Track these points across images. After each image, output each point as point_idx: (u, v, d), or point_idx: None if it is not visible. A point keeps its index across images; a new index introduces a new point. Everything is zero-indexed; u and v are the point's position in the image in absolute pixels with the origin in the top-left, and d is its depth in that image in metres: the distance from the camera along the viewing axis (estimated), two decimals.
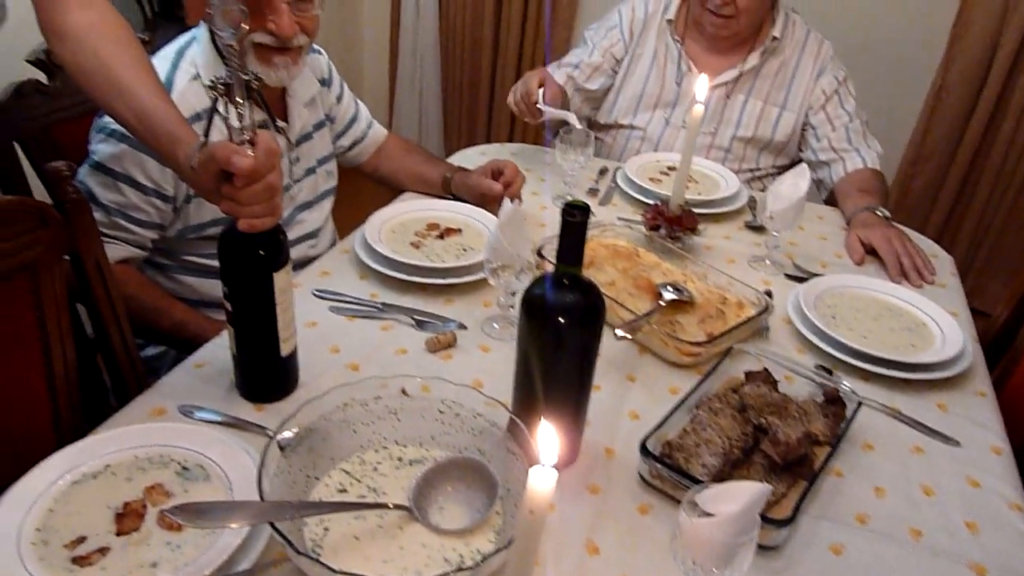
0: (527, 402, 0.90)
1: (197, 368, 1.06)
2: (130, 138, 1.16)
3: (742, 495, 0.68)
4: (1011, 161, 2.68)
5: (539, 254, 1.27)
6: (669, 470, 0.89)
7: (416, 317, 1.18)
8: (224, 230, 0.90)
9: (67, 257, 1.04)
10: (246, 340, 0.96)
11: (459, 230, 1.39)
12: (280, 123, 1.33)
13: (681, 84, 1.90)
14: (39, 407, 1.05)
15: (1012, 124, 2.62)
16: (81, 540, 0.77)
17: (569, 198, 1.60)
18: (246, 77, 0.81)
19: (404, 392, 0.91)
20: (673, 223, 1.40)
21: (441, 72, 3.32)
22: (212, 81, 0.80)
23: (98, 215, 1.16)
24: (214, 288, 1.33)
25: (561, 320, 0.84)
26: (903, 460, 1.01)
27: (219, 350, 1.07)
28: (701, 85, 1.33)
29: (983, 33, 2.58)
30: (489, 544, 0.81)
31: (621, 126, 1.96)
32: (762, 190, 1.90)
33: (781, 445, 0.92)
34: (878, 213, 1.58)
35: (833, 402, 1.03)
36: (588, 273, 0.85)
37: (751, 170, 1.91)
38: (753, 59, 1.85)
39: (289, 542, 0.68)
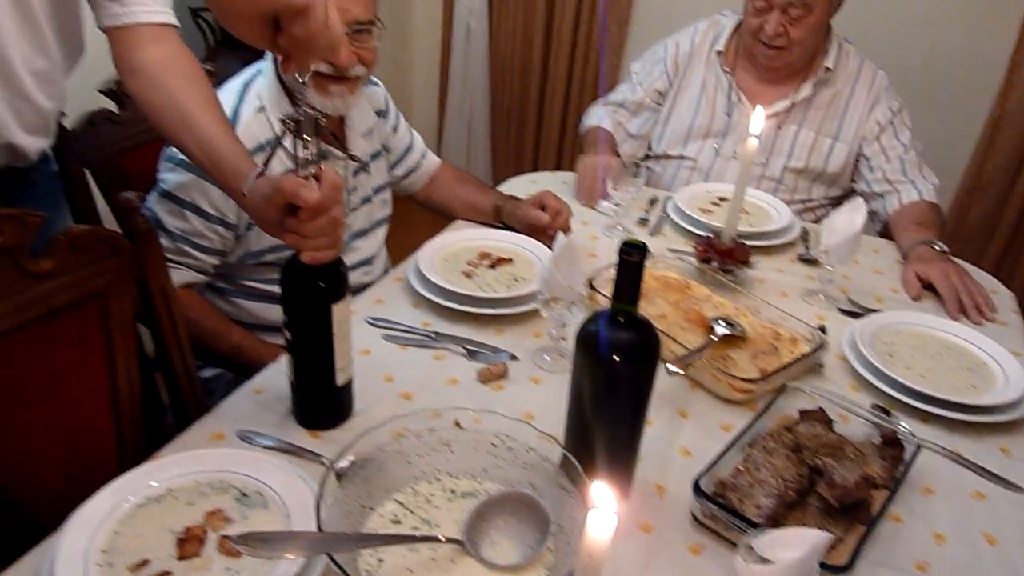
0: (580, 438, 0.91)
1: (255, 393, 1.09)
2: (196, 168, 1.20)
3: (802, 543, 0.67)
4: None
5: (591, 286, 1.27)
6: (723, 511, 0.89)
7: (468, 347, 1.20)
8: (287, 261, 0.92)
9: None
10: (303, 369, 0.98)
11: (510, 259, 1.40)
12: (355, 154, 1.36)
13: (731, 115, 1.90)
14: (104, 428, 1.08)
15: None
16: (144, 563, 0.79)
17: (619, 228, 1.61)
18: (315, 114, 0.83)
19: (457, 424, 0.92)
20: (725, 256, 1.39)
21: (490, 98, 3.36)
22: (283, 118, 0.83)
23: (164, 241, 1.20)
24: (271, 312, 1.37)
25: (616, 358, 0.84)
26: (964, 506, 0.99)
27: (276, 376, 1.10)
28: (756, 119, 1.33)
29: None
30: None
31: (671, 156, 1.96)
32: (814, 221, 1.88)
33: (838, 488, 0.90)
34: (935, 247, 1.55)
35: (891, 444, 1.01)
36: (639, 305, 0.85)
37: (803, 201, 1.90)
38: (805, 90, 1.84)
39: (346, 573, 0.69)
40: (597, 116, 2.02)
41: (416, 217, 1.73)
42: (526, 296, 1.27)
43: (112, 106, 1.46)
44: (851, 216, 1.36)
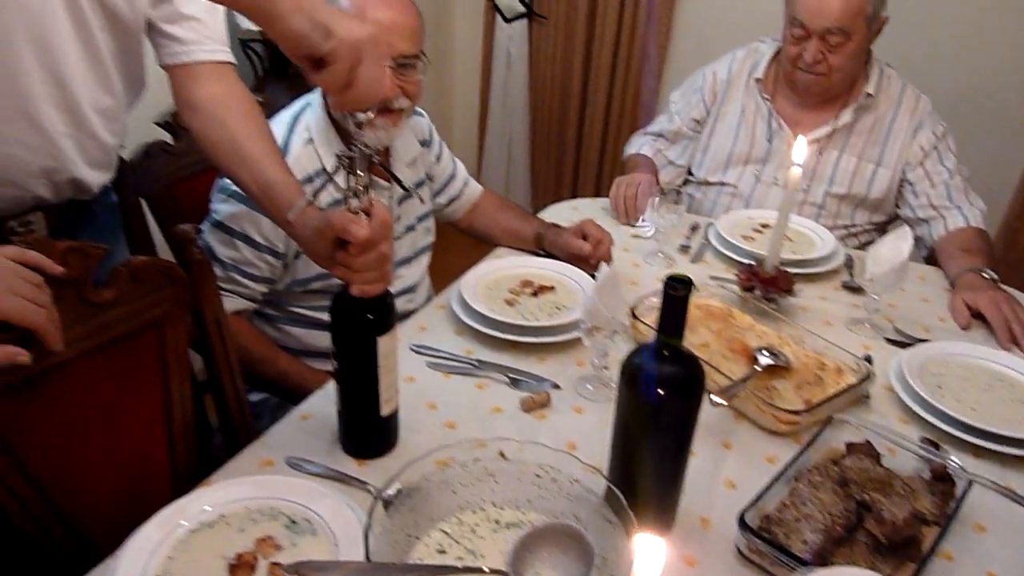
0: (624, 470, 0.91)
1: (302, 420, 1.11)
2: (248, 199, 1.24)
3: None
4: None
5: (633, 314, 1.28)
6: (769, 546, 0.88)
7: (511, 375, 1.21)
8: (336, 292, 0.95)
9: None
10: (349, 398, 1.00)
11: (552, 288, 1.41)
12: (410, 186, 1.39)
13: (772, 141, 1.89)
14: (157, 452, 1.11)
15: None
16: None
17: (661, 255, 1.61)
18: (368, 151, 0.86)
19: (502, 455, 0.93)
20: (768, 284, 1.38)
21: (530, 123, 3.39)
22: (337, 154, 0.85)
23: (216, 269, 1.24)
24: (317, 339, 1.40)
25: (661, 392, 0.84)
26: (1018, 543, 0.97)
27: (323, 402, 1.12)
28: (799, 148, 1.33)
29: None
30: None
31: (711, 183, 1.96)
32: (857, 247, 1.86)
33: (887, 524, 0.89)
34: (984, 275, 1.52)
35: (941, 479, 0.99)
36: None
37: (846, 226, 1.88)
38: (846, 115, 1.83)
39: None
40: (636, 144, 2.04)
41: (458, 244, 1.76)
42: (568, 324, 1.28)
43: (167, 137, 1.51)
44: (897, 244, 1.34)
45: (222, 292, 1.24)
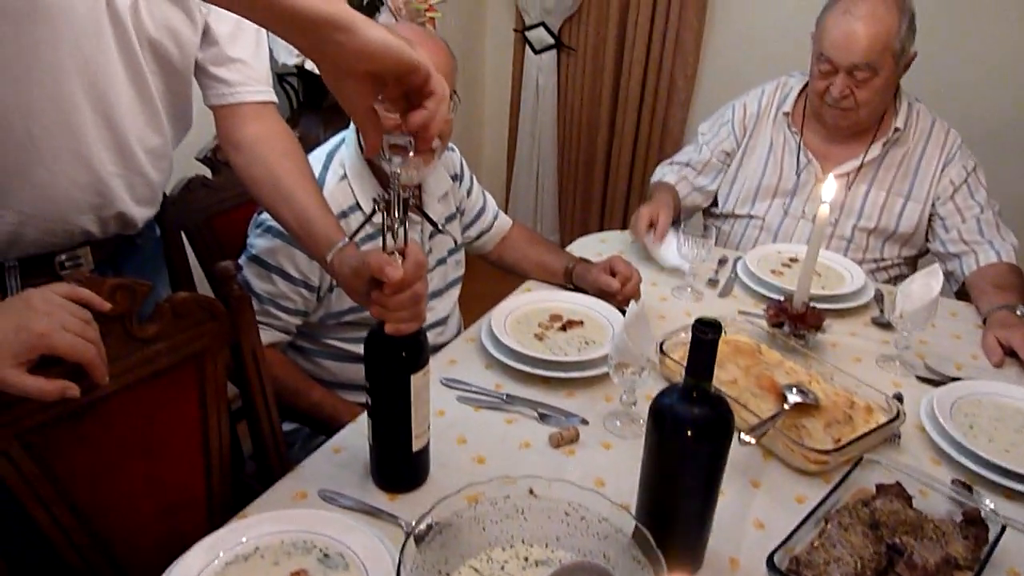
0: (653, 509, 0.92)
1: (335, 452, 1.13)
2: (284, 234, 1.28)
3: None
4: None
5: (661, 350, 1.29)
6: None
7: (539, 410, 1.22)
8: (371, 330, 0.97)
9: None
10: (382, 433, 1.02)
11: (581, 322, 1.42)
12: (443, 227, 1.43)
13: (800, 175, 1.90)
14: (195, 481, 1.14)
15: None
16: None
17: (689, 290, 1.62)
18: (404, 195, 0.88)
19: (531, 492, 0.94)
20: (797, 321, 1.38)
21: (558, 153, 3.42)
22: (375, 199, 0.88)
23: (252, 303, 1.27)
24: (350, 372, 1.42)
25: (689, 433, 0.85)
26: None
27: (356, 436, 1.14)
28: (828, 186, 1.34)
29: None
30: None
31: (739, 215, 1.97)
32: (887, 281, 1.85)
33: (918, 569, 0.89)
34: (1018, 312, 1.51)
35: (973, 523, 0.98)
36: None
37: (875, 260, 1.87)
38: (875, 150, 1.83)
39: None
40: (661, 173, 2.05)
41: (487, 270, 1.78)
42: (596, 360, 1.29)
43: (206, 172, 1.56)
44: (927, 282, 1.34)
45: (258, 324, 1.28)
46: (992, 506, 1.00)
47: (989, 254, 1.72)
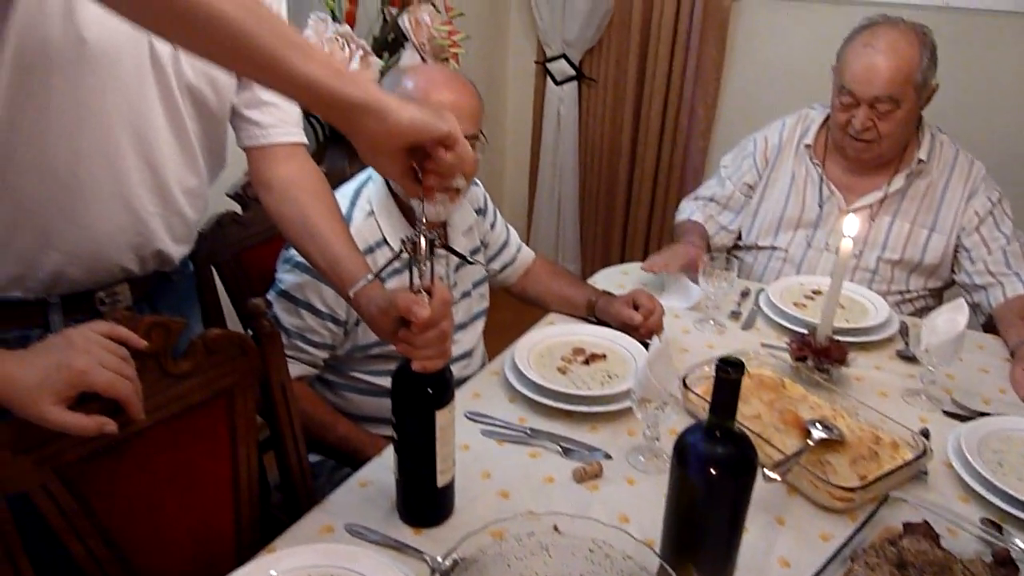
0: (677, 547, 0.92)
1: (361, 487, 1.15)
2: (311, 269, 1.30)
3: None
4: None
5: (684, 384, 1.29)
6: None
7: (563, 444, 1.23)
8: (397, 367, 0.99)
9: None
10: (407, 468, 1.04)
11: (604, 356, 1.43)
12: (473, 259, 1.45)
13: (823, 206, 1.90)
14: (224, 514, 1.16)
15: None
16: None
17: (711, 322, 1.62)
18: (431, 236, 0.90)
19: (556, 529, 0.94)
20: (821, 355, 1.38)
21: (579, 181, 3.44)
22: (402, 240, 0.90)
23: (281, 337, 1.29)
24: (376, 405, 1.44)
25: (713, 472, 0.86)
26: None
27: (382, 470, 1.16)
28: (851, 223, 1.34)
29: None
30: None
31: (761, 247, 1.97)
32: (912, 313, 1.84)
33: None
34: None
35: (1004, 563, 0.97)
36: None
37: (900, 292, 1.86)
38: (898, 181, 1.83)
39: None
40: (688, 211, 2.06)
41: (509, 299, 1.79)
42: (620, 394, 1.30)
43: (237, 208, 1.60)
44: (953, 316, 1.34)
45: (287, 358, 1.30)
46: (1023, 546, 0.99)
47: (1016, 286, 1.71)
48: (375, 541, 1.03)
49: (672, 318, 1.64)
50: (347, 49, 2.13)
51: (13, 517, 0.88)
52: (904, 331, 1.60)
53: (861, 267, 1.87)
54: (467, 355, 1.56)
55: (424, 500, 1.06)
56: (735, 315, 1.69)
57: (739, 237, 2.03)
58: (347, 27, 2.16)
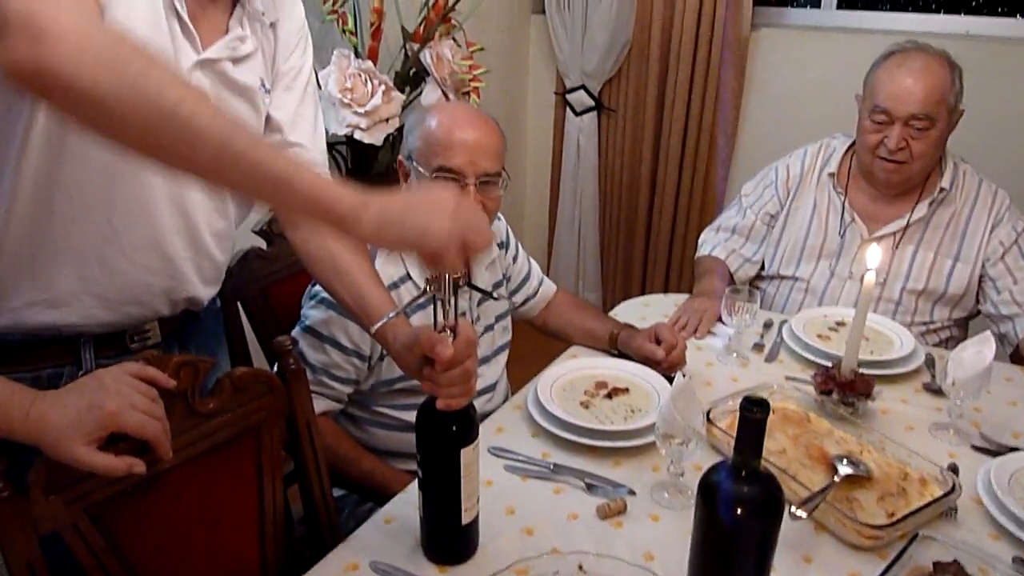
0: None
1: (385, 523, 1.15)
2: (336, 306, 1.32)
3: None
4: None
5: (708, 418, 1.29)
6: None
7: (587, 480, 1.22)
8: (422, 404, 1.00)
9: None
10: (432, 506, 1.04)
11: (626, 389, 1.43)
12: (495, 294, 1.47)
13: (845, 235, 1.90)
14: (250, 550, 1.17)
15: None
16: None
17: (735, 355, 1.62)
18: (456, 276, 0.92)
19: (581, 568, 0.94)
20: (846, 388, 1.37)
21: (599, 210, 3.45)
22: (427, 279, 0.92)
23: (307, 374, 1.31)
24: (400, 440, 1.45)
25: (739, 512, 0.85)
26: None
27: (406, 506, 1.16)
28: (872, 254, 1.34)
29: None
30: None
31: (783, 277, 1.97)
32: (937, 344, 1.83)
33: None
34: None
35: None
36: None
37: (925, 323, 1.85)
38: (921, 209, 1.82)
39: None
40: (709, 244, 2.06)
41: (532, 333, 1.80)
42: (643, 429, 1.29)
43: (261, 243, 1.62)
44: (980, 349, 1.32)
45: (311, 393, 1.31)
46: None
47: None
48: None
49: (694, 350, 1.63)
50: (369, 84, 2.17)
51: (43, 556, 0.90)
52: (930, 363, 1.59)
53: (885, 298, 1.86)
54: (490, 389, 1.56)
55: (449, 538, 1.06)
56: (758, 347, 1.68)
57: (762, 267, 2.02)
58: (369, 63, 2.21)
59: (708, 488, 0.87)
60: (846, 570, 1.07)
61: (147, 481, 0.98)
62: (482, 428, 1.36)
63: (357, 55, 2.22)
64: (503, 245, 1.62)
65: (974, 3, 3.03)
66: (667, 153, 3.21)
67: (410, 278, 1.40)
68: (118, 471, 0.87)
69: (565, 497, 1.21)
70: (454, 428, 0.98)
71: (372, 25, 2.28)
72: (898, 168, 1.77)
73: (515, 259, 1.66)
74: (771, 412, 1.32)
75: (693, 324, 1.72)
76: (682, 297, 1.90)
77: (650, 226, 3.35)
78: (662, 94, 3.16)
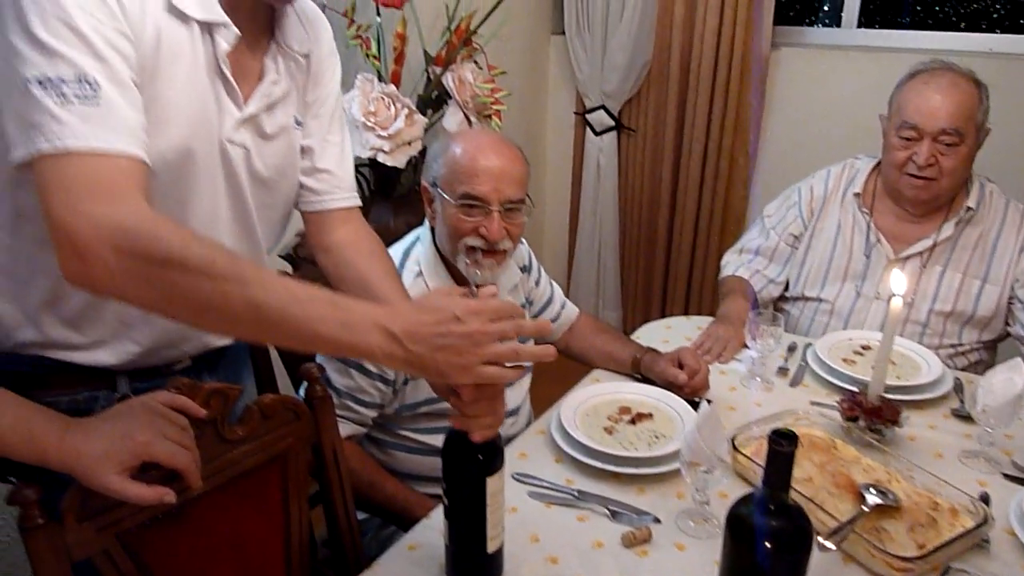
0: None
1: (410, 550, 1.15)
2: None
3: None
4: None
5: (733, 446, 1.28)
6: None
7: (611, 508, 1.22)
8: (448, 433, 1.00)
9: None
10: (457, 534, 1.04)
11: (650, 415, 1.43)
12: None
13: (870, 256, 1.88)
14: (275, 573, 1.17)
15: None
16: None
17: (758, 379, 1.61)
18: None
19: None
20: (872, 415, 1.36)
21: (619, 230, 3.45)
22: None
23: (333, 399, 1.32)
24: (424, 464, 1.46)
25: (767, 545, 0.85)
26: None
27: (430, 532, 1.16)
28: (898, 279, 1.33)
29: None
30: None
31: (808, 298, 1.95)
32: (966, 367, 1.80)
33: None
34: None
35: None
36: None
37: (953, 345, 1.83)
38: (947, 229, 1.81)
39: None
40: (732, 265, 2.05)
41: (554, 365, 1.80)
42: (667, 456, 1.29)
43: (287, 267, 1.64)
44: (1010, 376, 1.30)
45: (337, 418, 1.32)
46: None
47: None
48: None
49: (718, 374, 1.63)
50: (392, 108, 2.20)
51: None
52: (959, 388, 1.57)
53: (912, 319, 1.84)
54: (513, 412, 1.56)
55: (474, 566, 1.06)
56: (782, 371, 1.67)
57: (786, 288, 2.01)
58: (392, 87, 2.23)
59: (737, 521, 0.87)
60: None
61: (177, 508, 0.99)
62: (506, 451, 1.37)
63: (380, 79, 2.25)
64: (525, 269, 1.62)
65: (996, 19, 3.02)
66: (687, 173, 3.20)
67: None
68: (149, 501, 0.88)
69: (589, 525, 1.20)
70: (480, 456, 0.98)
71: (395, 50, 2.31)
72: (927, 185, 1.76)
73: (537, 283, 1.67)
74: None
75: (717, 350, 1.71)
76: (704, 320, 1.89)
77: (670, 246, 3.35)
78: (682, 114, 3.17)
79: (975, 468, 1.34)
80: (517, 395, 1.58)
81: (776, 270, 2.00)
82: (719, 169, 3.16)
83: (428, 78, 2.41)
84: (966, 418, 1.48)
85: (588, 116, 3.36)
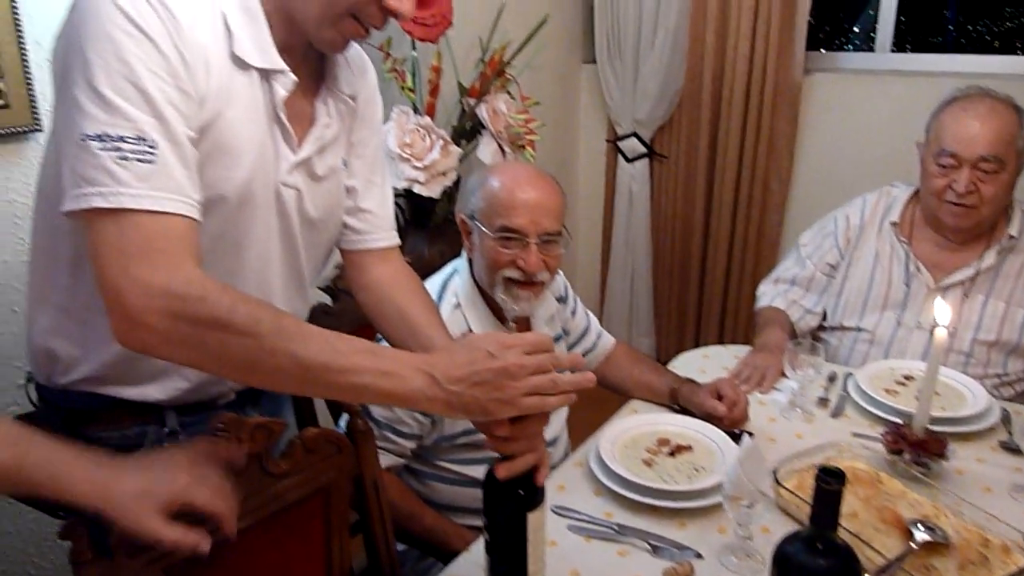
0: None
1: None
2: None
3: None
4: None
5: (775, 479, 1.26)
6: None
7: (652, 542, 1.21)
8: (488, 469, 1.00)
9: None
10: (498, 568, 1.04)
11: (689, 447, 1.41)
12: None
13: (910, 285, 1.86)
14: None
15: None
16: None
17: (798, 410, 1.59)
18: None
19: None
20: (918, 448, 1.33)
21: (652, 258, 3.44)
22: None
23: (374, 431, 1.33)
24: (462, 496, 1.46)
25: None
26: None
27: (470, 566, 1.16)
28: (942, 309, 1.31)
29: None
30: None
31: (846, 328, 1.93)
32: (1012, 397, 1.77)
33: None
34: None
35: None
36: None
37: (998, 375, 1.79)
38: (989, 257, 1.78)
39: None
40: (768, 296, 2.03)
41: (590, 396, 1.79)
42: (708, 489, 1.27)
43: (327, 299, 1.66)
44: None
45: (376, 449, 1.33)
46: None
47: None
48: None
49: (757, 405, 1.61)
50: (428, 139, 2.23)
51: None
52: (1007, 420, 1.53)
53: (955, 349, 1.80)
54: (552, 443, 1.56)
55: None
56: (823, 401, 1.65)
57: (824, 317, 1.99)
58: (427, 119, 2.27)
59: (784, 560, 0.86)
60: None
61: (222, 541, 1.00)
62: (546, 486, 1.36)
63: (416, 111, 2.29)
64: (562, 299, 1.63)
65: None
66: (720, 199, 3.20)
67: (472, 333, 1.42)
68: (186, 546, 0.86)
69: (630, 560, 1.19)
70: (521, 492, 0.98)
71: (430, 82, 2.35)
72: (967, 212, 1.73)
73: (574, 313, 1.67)
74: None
75: (756, 379, 1.70)
76: (742, 349, 1.88)
77: (704, 273, 3.33)
78: (714, 140, 3.17)
79: None
80: (555, 426, 1.57)
81: (813, 300, 1.98)
82: (752, 195, 3.14)
83: (462, 109, 2.45)
84: (1015, 451, 1.45)
85: (620, 143, 3.37)
